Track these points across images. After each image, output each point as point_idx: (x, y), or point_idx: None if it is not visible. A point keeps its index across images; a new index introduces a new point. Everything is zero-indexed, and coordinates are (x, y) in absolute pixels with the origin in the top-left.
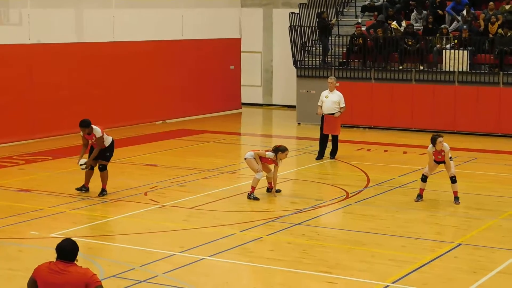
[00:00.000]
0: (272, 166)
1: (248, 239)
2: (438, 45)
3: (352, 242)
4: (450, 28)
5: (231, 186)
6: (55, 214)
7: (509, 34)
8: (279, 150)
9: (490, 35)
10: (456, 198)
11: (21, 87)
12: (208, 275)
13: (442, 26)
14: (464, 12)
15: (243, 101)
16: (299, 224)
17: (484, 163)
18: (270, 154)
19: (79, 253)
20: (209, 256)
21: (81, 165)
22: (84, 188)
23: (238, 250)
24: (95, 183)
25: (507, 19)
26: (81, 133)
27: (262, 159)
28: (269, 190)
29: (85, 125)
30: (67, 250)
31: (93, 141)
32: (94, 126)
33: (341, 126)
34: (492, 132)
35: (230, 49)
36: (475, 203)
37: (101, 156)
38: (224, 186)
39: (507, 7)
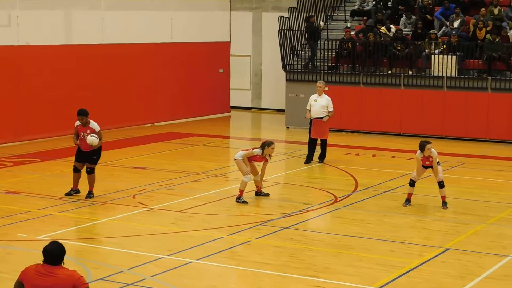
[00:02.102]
0: (261, 164)
1: (236, 243)
2: (427, 50)
3: (340, 246)
4: (439, 33)
5: (219, 190)
6: (43, 217)
7: (497, 39)
8: (265, 145)
9: (479, 41)
10: (444, 203)
11: (9, 89)
12: (196, 278)
13: (431, 31)
14: (453, 16)
15: (232, 104)
16: (287, 228)
17: (472, 168)
18: (257, 151)
19: (66, 256)
20: (197, 260)
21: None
22: (73, 191)
23: (226, 253)
24: (84, 186)
25: (495, 24)
26: (77, 123)
27: (251, 158)
28: (257, 193)
29: (84, 113)
30: (53, 254)
31: (84, 135)
32: (91, 121)
33: (330, 130)
34: (480, 137)
35: (220, 52)
36: (463, 208)
37: (88, 159)
38: (213, 189)
39: (496, 11)
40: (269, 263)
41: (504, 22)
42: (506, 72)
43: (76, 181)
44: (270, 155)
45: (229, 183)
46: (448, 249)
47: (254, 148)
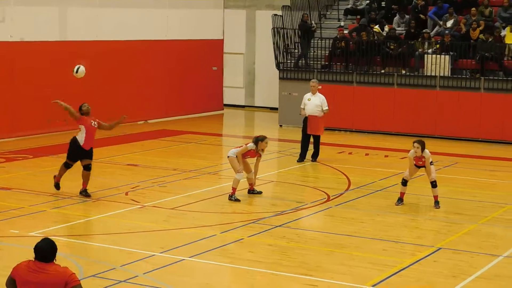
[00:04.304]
0: (254, 160)
1: (228, 241)
2: (420, 50)
3: (332, 245)
4: (432, 33)
5: (212, 187)
6: (35, 213)
7: (490, 39)
8: (259, 140)
9: (472, 41)
10: (436, 203)
11: (2, 85)
12: (188, 276)
13: (424, 30)
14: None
15: (225, 102)
16: (279, 226)
17: (465, 168)
18: (250, 145)
19: (58, 252)
20: (189, 257)
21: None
22: (57, 184)
23: (219, 251)
24: (77, 182)
25: (488, 25)
26: (85, 110)
27: (245, 154)
28: (250, 191)
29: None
30: (44, 251)
31: (94, 124)
32: None
33: (323, 129)
34: (472, 137)
35: (213, 50)
36: (455, 208)
37: (90, 155)
38: (205, 187)
39: (486, 11)
40: (261, 261)
41: (497, 22)
42: (499, 72)
43: (62, 174)
44: (263, 150)
45: (222, 181)
46: (440, 248)
47: (248, 143)
